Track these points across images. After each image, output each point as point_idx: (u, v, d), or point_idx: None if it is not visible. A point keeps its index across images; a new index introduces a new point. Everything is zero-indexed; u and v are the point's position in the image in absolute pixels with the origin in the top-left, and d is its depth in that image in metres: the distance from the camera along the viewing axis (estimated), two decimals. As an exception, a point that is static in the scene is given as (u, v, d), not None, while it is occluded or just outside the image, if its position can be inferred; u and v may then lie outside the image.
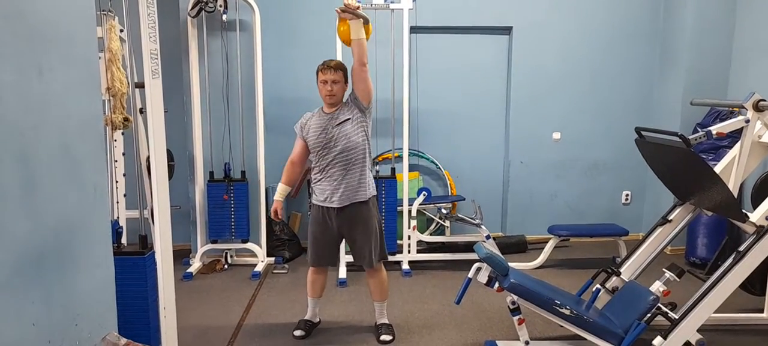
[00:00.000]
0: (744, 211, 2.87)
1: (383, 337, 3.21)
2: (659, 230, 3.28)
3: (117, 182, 3.79)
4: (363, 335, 3.33)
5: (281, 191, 3.24)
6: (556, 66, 5.19)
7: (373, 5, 4.26)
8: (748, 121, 2.89)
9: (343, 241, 3.37)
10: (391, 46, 4.38)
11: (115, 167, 3.78)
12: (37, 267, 1.41)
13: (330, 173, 3.09)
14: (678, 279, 2.79)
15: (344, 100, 3.15)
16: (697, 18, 4.74)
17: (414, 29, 4.95)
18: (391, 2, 4.29)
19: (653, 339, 2.66)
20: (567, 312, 2.73)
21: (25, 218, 1.36)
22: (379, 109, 4.82)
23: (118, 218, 3.68)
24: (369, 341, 3.25)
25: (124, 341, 1.59)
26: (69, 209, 1.56)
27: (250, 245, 4.59)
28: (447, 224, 5.11)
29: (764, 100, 2.85)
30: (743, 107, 2.91)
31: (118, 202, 3.72)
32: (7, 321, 1.29)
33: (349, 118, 3.08)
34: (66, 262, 1.55)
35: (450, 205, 5.08)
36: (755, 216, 2.82)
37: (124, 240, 2.75)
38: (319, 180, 3.14)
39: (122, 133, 4.01)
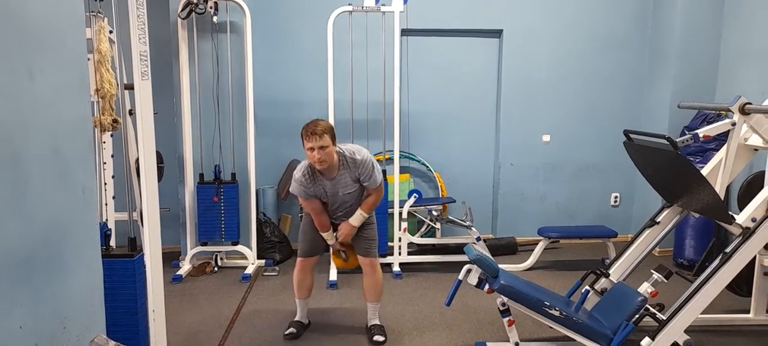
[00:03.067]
0: (730, 213, 2.90)
1: (376, 338, 3.22)
2: (647, 231, 3.31)
3: (106, 183, 3.76)
4: (355, 336, 3.33)
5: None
6: (546, 69, 5.23)
7: (364, 8, 4.27)
8: (734, 124, 2.93)
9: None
10: (382, 48, 4.39)
11: (104, 169, 3.75)
12: (25, 269, 1.40)
13: (333, 215, 3.23)
14: (666, 280, 2.82)
15: (343, 164, 3.04)
16: (685, 23, 4.80)
17: (405, 32, 4.95)
18: (382, 4, 4.31)
19: (641, 340, 2.68)
20: (556, 314, 2.75)
21: (13, 220, 1.35)
22: (371, 112, 4.83)
23: (106, 220, 3.65)
24: (361, 342, 3.25)
25: (112, 343, 1.58)
26: (58, 211, 1.55)
27: (240, 248, 4.57)
28: (437, 225, 5.12)
29: (750, 104, 2.89)
30: (730, 111, 2.95)
31: (106, 204, 3.69)
32: (-6, 324, 1.28)
33: (356, 186, 3.10)
34: (54, 264, 1.53)
35: (441, 207, 5.10)
36: (741, 218, 2.85)
37: (112, 242, 2.73)
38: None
39: (111, 135, 3.98)
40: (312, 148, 2.85)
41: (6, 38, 1.33)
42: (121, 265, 2.36)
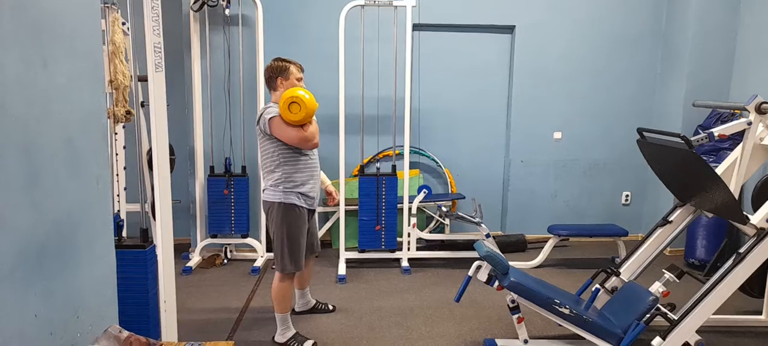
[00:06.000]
0: (744, 213, 2.87)
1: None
2: (659, 230, 3.28)
3: (117, 175, 3.78)
4: (361, 329, 3.34)
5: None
6: (557, 66, 5.19)
7: (377, 2, 4.25)
8: (750, 123, 2.89)
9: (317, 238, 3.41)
10: (394, 43, 4.38)
11: (116, 160, 3.77)
12: (39, 259, 1.41)
13: (316, 173, 3.12)
14: (677, 280, 2.80)
15: None
16: (700, 21, 4.74)
17: (417, 27, 4.94)
18: (394, -1, 4.29)
19: (652, 340, 2.66)
20: (566, 311, 2.73)
21: (28, 210, 1.36)
22: (381, 107, 4.83)
23: (118, 211, 3.67)
24: (367, 336, 3.26)
25: (126, 333, 1.59)
26: (71, 201, 1.56)
27: (249, 240, 4.59)
28: (447, 222, 5.11)
29: (766, 103, 2.85)
30: (745, 110, 2.92)
31: (118, 195, 3.71)
32: (9, 312, 1.29)
33: None
34: (68, 254, 1.55)
35: (450, 203, 5.09)
36: (756, 218, 2.82)
37: (123, 233, 2.75)
38: (306, 181, 3.04)
39: (123, 127, 4.00)
40: (301, 79, 3.11)
41: (20, 28, 1.33)
42: (134, 255, 2.38)
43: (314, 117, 3.02)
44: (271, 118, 2.90)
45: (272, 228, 3.05)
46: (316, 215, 3.33)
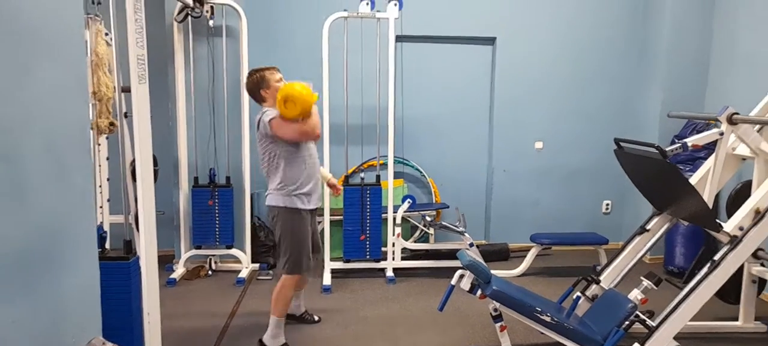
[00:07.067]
0: (719, 221, 2.94)
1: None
2: (638, 239, 3.34)
3: (101, 186, 3.76)
4: (347, 339, 3.35)
5: None
6: (538, 76, 5.28)
7: (360, 14, 4.30)
8: (722, 134, 2.98)
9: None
10: (377, 54, 4.42)
11: (100, 172, 3.75)
12: (21, 268, 1.41)
13: (314, 173, 3.16)
14: (656, 287, 2.85)
15: None
16: (674, 30, 4.86)
17: (399, 38, 5.00)
18: (377, 11, 4.34)
19: (631, 346, 2.72)
20: (548, 319, 2.77)
21: (9, 218, 1.37)
22: (365, 117, 4.86)
23: (102, 222, 3.65)
24: (353, 345, 3.27)
25: (109, 345, 1.60)
26: (55, 210, 1.56)
27: (234, 251, 4.58)
28: (431, 231, 5.15)
29: (738, 114, 2.94)
30: (718, 120, 3.00)
31: (101, 206, 3.69)
32: (-10, 322, 1.29)
33: None
34: (50, 264, 1.55)
35: (434, 212, 5.13)
36: (728, 226, 2.89)
37: (107, 245, 2.74)
38: (307, 181, 3.12)
39: (107, 138, 3.98)
40: (281, 79, 3.17)
41: (4, 36, 1.34)
42: (117, 267, 2.37)
43: (315, 108, 3.04)
44: (270, 119, 2.97)
45: (278, 232, 3.14)
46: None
